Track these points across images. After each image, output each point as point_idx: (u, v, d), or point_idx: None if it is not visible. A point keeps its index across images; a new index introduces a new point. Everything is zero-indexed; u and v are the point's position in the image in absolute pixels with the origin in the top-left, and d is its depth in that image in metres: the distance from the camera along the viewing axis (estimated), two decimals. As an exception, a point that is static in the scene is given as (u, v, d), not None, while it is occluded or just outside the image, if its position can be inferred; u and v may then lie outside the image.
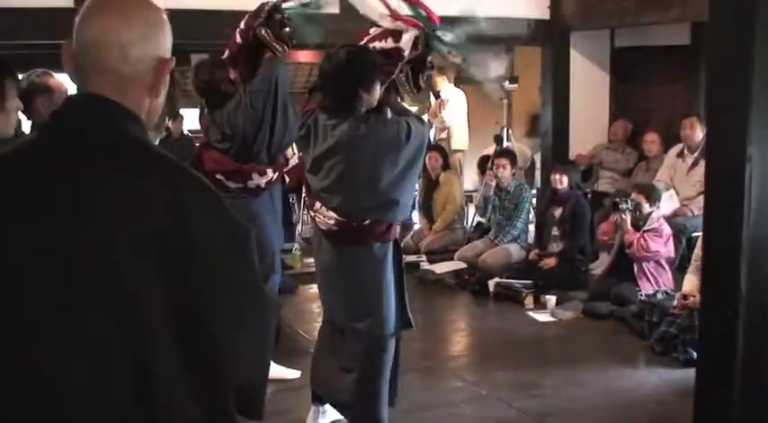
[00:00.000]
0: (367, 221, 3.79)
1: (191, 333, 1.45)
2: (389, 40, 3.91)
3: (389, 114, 3.86)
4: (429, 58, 3.99)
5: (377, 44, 3.92)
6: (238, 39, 4.84)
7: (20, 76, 3.59)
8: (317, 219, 3.91)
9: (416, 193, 3.54)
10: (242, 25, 4.83)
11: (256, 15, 4.73)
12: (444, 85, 9.46)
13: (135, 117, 1.56)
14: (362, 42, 3.97)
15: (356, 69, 3.73)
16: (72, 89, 1.61)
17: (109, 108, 1.53)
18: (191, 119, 10.98)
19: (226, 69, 4.78)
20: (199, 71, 4.90)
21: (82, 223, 1.43)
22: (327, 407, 4.30)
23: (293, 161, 5.70)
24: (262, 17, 4.69)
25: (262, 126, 4.68)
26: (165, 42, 1.59)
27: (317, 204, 3.87)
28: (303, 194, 4.23)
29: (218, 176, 4.78)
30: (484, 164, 8.74)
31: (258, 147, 4.75)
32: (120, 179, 1.46)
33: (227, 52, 4.94)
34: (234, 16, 6.85)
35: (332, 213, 3.81)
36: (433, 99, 9.65)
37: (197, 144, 6.10)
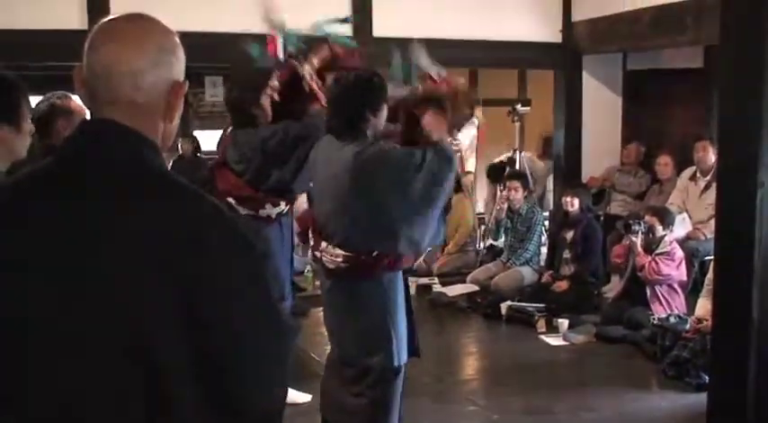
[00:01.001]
0: (375, 253, 3.69)
1: (206, 357, 1.44)
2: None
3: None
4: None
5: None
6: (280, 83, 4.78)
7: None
8: (323, 258, 3.81)
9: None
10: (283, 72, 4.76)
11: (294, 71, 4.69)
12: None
13: (151, 144, 1.55)
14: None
15: (364, 90, 3.71)
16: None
17: (124, 135, 1.52)
18: (203, 141, 11.01)
19: (259, 94, 4.75)
20: (232, 87, 4.91)
21: (97, 253, 1.42)
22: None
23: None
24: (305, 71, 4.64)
25: (285, 168, 4.66)
26: (178, 66, 1.58)
27: (323, 244, 3.79)
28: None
29: (230, 200, 4.77)
30: (494, 172, 8.75)
31: (274, 181, 4.72)
32: (137, 207, 1.45)
33: (272, 81, 4.85)
34: (248, 38, 6.92)
35: (338, 250, 3.72)
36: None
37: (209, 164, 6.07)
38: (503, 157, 9.25)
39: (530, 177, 8.44)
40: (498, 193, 8.40)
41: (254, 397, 1.53)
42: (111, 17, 1.57)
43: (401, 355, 3.84)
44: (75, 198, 1.47)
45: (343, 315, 3.91)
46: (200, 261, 1.44)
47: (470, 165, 9.63)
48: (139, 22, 1.56)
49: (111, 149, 1.52)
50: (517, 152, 8.93)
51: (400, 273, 3.86)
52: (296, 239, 6.45)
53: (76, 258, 1.43)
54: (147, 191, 1.48)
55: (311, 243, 4.03)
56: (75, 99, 4.11)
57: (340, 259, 3.73)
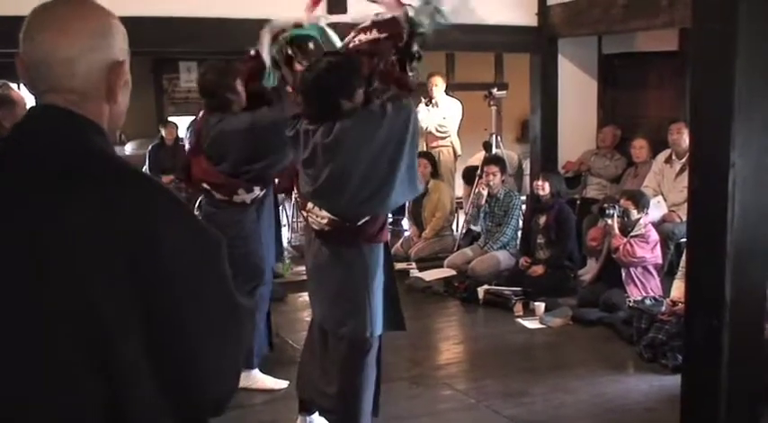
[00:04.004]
0: (360, 222, 3.76)
1: (163, 348, 1.42)
2: (374, 31, 3.83)
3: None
4: (415, 47, 3.85)
5: (362, 37, 3.84)
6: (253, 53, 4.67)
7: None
8: (309, 219, 3.88)
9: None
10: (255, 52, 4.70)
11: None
12: (438, 91, 9.43)
13: (97, 128, 1.53)
14: (348, 37, 3.92)
15: (337, 78, 3.70)
16: (31, 101, 1.58)
17: (67, 119, 1.50)
18: (181, 127, 10.88)
19: (234, 78, 4.69)
20: (207, 71, 4.84)
21: (46, 241, 1.39)
22: (315, 417, 4.28)
23: None
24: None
25: (260, 155, 4.63)
26: (116, 46, 1.55)
27: (310, 204, 3.85)
28: (295, 196, 4.18)
29: (205, 185, 4.76)
30: (469, 174, 8.73)
31: (249, 170, 4.69)
32: (87, 193, 1.42)
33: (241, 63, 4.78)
34: (222, 24, 6.89)
35: (325, 213, 3.78)
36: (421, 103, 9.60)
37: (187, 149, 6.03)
38: (478, 160, 9.18)
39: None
40: (476, 179, 8.40)
41: (208, 382, 1.51)
42: (44, 2, 1.54)
43: (374, 326, 3.87)
44: (21, 186, 1.44)
45: (322, 273, 3.97)
46: (150, 247, 1.40)
47: (458, 147, 9.60)
48: (69, 7, 1.53)
49: (54, 135, 1.49)
50: (494, 136, 8.93)
51: (381, 246, 3.91)
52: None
53: (23, 247, 1.40)
54: (93, 175, 1.45)
55: (295, 201, 4.12)
56: (16, 88, 4.03)
57: (325, 221, 3.80)
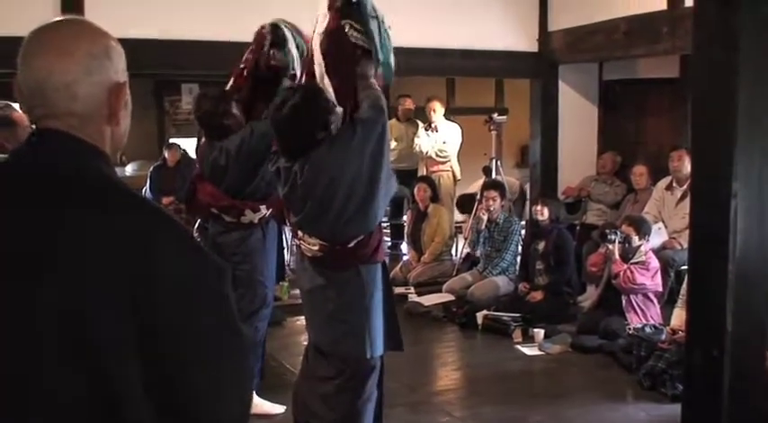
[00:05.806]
0: (352, 243, 3.73)
1: (160, 370, 1.39)
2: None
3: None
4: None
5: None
6: (245, 73, 4.80)
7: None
8: (302, 246, 3.87)
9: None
10: (248, 56, 4.80)
11: (260, 42, 4.72)
12: (437, 116, 9.46)
13: (98, 152, 1.51)
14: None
15: (307, 116, 3.62)
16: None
17: (66, 143, 1.48)
18: (185, 148, 10.84)
19: (229, 103, 4.74)
20: (201, 102, 4.87)
21: (44, 266, 1.37)
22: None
23: None
24: (267, 40, 4.68)
25: (260, 167, 4.64)
26: (115, 68, 1.53)
27: (300, 232, 3.85)
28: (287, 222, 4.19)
29: (213, 210, 4.78)
30: (463, 203, 8.73)
31: (254, 186, 4.73)
32: (85, 219, 1.40)
33: (230, 83, 4.89)
34: (224, 47, 6.92)
35: (315, 239, 3.76)
36: (421, 128, 9.62)
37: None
38: (475, 188, 9.19)
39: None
40: (476, 203, 8.39)
41: (208, 407, 1.47)
42: (41, 25, 1.52)
43: (374, 348, 3.80)
44: (18, 211, 1.42)
45: (319, 298, 3.89)
46: (151, 274, 1.38)
47: (458, 171, 9.61)
48: (67, 29, 1.52)
49: (53, 159, 1.47)
50: (494, 161, 8.93)
51: (378, 266, 3.86)
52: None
53: (19, 274, 1.37)
54: (95, 201, 1.43)
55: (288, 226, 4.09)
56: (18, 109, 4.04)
57: (317, 248, 3.77)
